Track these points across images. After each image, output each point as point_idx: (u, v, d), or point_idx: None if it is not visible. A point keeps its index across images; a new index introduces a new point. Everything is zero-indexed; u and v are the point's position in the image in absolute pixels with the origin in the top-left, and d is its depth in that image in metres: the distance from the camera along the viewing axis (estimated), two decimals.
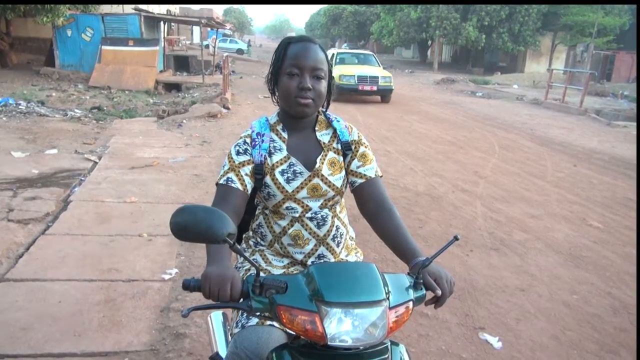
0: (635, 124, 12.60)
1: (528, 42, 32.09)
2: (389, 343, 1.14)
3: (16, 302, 2.90)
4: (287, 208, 1.54)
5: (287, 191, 1.52)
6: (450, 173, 6.74)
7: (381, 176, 1.62)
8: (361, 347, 1.06)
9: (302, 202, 1.54)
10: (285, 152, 1.54)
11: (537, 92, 20.40)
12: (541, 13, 31.39)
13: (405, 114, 12.73)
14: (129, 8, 18.55)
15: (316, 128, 1.59)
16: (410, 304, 1.13)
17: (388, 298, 1.06)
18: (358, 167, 1.58)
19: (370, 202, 1.56)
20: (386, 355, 1.10)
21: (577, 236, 4.66)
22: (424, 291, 1.20)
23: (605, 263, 4.08)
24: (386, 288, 1.07)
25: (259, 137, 1.55)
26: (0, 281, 3.15)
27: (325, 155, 1.56)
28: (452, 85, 23.05)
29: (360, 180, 1.58)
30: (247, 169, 1.51)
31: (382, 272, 1.11)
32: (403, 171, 6.68)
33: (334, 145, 1.59)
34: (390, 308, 1.07)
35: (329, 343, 1.03)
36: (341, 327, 1.02)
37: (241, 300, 1.15)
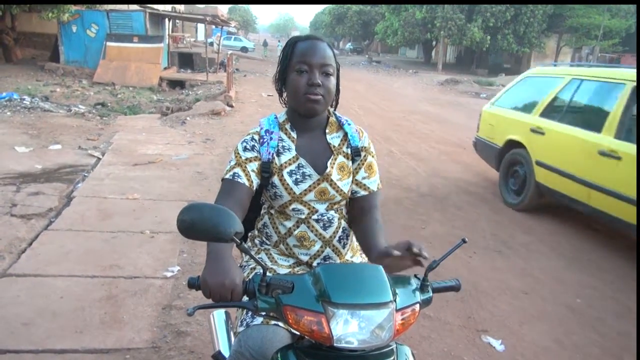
0: None
1: (533, 44, 32.04)
2: (395, 345, 1.12)
3: (18, 297, 2.90)
4: (293, 209, 1.52)
5: (294, 193, 1.50)
6: (454, 174, 6.72)
7: (380, 188, 1.61)
8: (367, 349, 1.05)
9: (309, 205, 1.52)
10: (294, 152, 1.52)
11: None
12: (547, 15, 31.33)
13: (408, 114, 12.71)
14: (134, 5, 18.57)
15: (327, 130, 1.57)
16: (417, 307, 1.12)
17: (395, 300, 1.05)
18: (363, 178, 1.57)
19: (360, 211, 1.56)
20: (392, 358, 1.09)
21: (580, 239, 4.63)
22: (430, 294, 1.19)
23: (609, 267, 4.06)
24: (393, 290, 1.06)
25: (267, 134, 1.52)
26: (3, 276, 3.15)
27: (335, 159, 1.54)
28: (456, 86, 23.00)
29: (362, 192, 1.57)
30: (254, 165, 1.49)
31: (388, 273, 1.10)
32: (406, 171, 6.66)
33: (344, 149, 1.56)
34: (397, 310, 1.06)
35: (335, 344, 1.02)
36: (347, 328, 1.01)
37: (246, 299, 1.14)
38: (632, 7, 28.63)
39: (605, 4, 28.02)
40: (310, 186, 1.50)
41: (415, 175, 6.52)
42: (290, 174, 1.50)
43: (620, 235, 4.82)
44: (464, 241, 1.21)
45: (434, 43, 40.16)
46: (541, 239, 4.55)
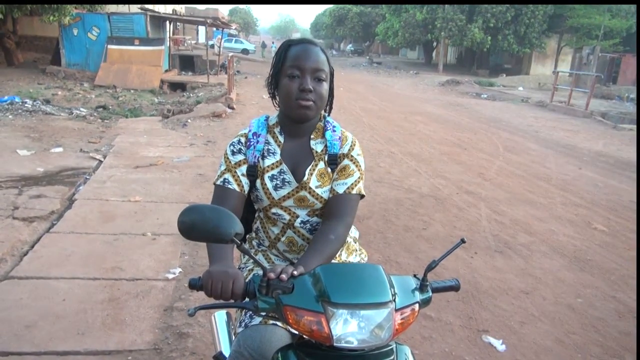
0: None
1: (534, 44, 32.03)
2: (395, 345, 1.13)
3: (20, 300, 2.91)
4: (274, 213, 1.53)
5: (273, 198, 1.51)
6: (455, 175, 6.73)
7: (355, 193, 1.50)
8: (367, 349, 1.05)
9: (289, 210, 1.53)
10: (278, 157, 1.52)
11: (542, 94, 20.37)
12: (547, 15, 31.32)
13: (409, 115, 12.71)
14: (135, 7, 18.63)
15: (312, 136, 1.55)
16: (417, 306, 1.13)
17: (394, 300, 1.06)
18: (334, 180, 1.52)
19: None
20: (392, 357, 1.09)
21: (581, 239, 4.64)
22: (430, 293, 1.19)
23: (610, 267, 4.06)
24: (392, 290, 1.07)
25: (254, 137, 1.53)
26: (5, 279, 3.16)
27: (316, 166, 1.52)
28: (457, 86, 23.01)
29: (329, 195, 1.51)
30: (243, 168, 1.50)
31: (388, 273, 1.11)
32: (407, 172, 6.67)
33: (325, 156, 1.54)
34: (397, 310, 1.06)
35: (334, 344, 1.02)
36: (347, 328, 1.02)
37: (246, 299, 1.16)
38: (633, 7, 28.61)
39: (605, 4, 28.00)
40: (289, 193, 1.50)
41: (416, 175, 6.53)
42: (272, 178, 1.50)
43: (620, 234, 4.83)
44: (462, 241, 1.22)
45: (434, 44, 40.17)
46: (542, 239, 4.55)
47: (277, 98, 1.54)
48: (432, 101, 17.04)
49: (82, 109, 10.72)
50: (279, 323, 1.38)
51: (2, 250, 3.49)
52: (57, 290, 3.03)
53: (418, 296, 1.15)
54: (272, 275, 1.09)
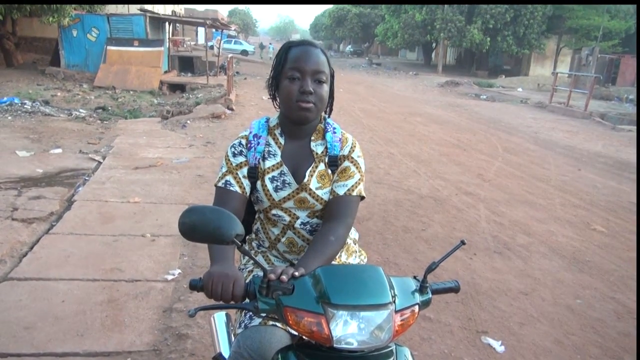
0: None
1: (533, 45, 32.06)
2: (395, 346, 1.13)
3: (20, 301, 2.91)
4: (274, 215, 1.54)
5: (273, 199, 1.51)
6: (454, 176, 6.73)
7: (355, 194, 1.50)
8: (366, 350, 1.06)
9: (289, 211, 1.53)
10: (278, 159, 1.52)
11: (541, 96, 20.38)
12: (546, 16, 31.37)
13: (409, 116, 12.72)
14: (134, 8, 18.63)
15: (312, 137, 1.55)
16: (416, 308, 1.13)
17: (394, 301, 1.06)
18: (334, 182, 1.52)
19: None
20: (391, 358, 1.10)
21: (581, 240, 4.64)
22: (429, 295, 1.19)
23: (609, 268, 4.06)
24: (392, 291, 1.07)
25: (255, 138, 1.53)
26: (4, 280, 3.16)
27: (316, 167, 1.52)
28: (456, 87, 23.03)
29: (330, 196, 1.51)
30: (244, 170, 1.51)
31: (388, 275, 1.11)
32: (407, 173, 6.67)
33: (325, 158, 1.54)
34: (397, 311, 1.07)
35: (334, 345, 1.03)
36: (347, 329, 1.02)
37: (246, 300, 1.16)
38: (632, 8, 28.67)
39: (605, 4, 28.04)
40: (289, 194, 1.50)
41: (415, 176, 6.53)
42: (272, 180, 1.50)
43: (619, 235, 4.83)
44: (463, 243, 1.22)
45: (433, 45, 40.20)
46: (541, 240, 4.55)
47: (278, 100, 1.54)
48: (432, 102, 17.05)
49: (81, 110, 10.72)
50: (278, 324, 1.38)
51: (1, 251, 3.49)
52: (56, 292, 3.03)
53: (418, 298, 1.15)
54: (272, 276, 1.09)
